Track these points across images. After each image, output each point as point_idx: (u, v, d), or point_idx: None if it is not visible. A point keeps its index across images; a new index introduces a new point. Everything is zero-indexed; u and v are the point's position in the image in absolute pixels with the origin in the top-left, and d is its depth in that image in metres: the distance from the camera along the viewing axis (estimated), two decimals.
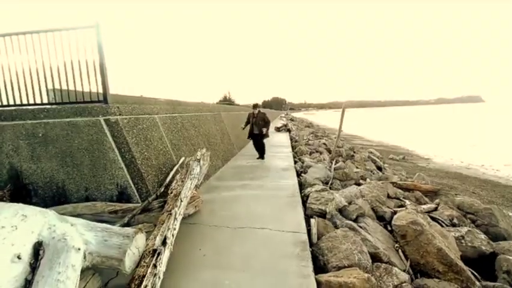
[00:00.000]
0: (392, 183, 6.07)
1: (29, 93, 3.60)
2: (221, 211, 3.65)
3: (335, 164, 6.85)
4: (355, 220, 3.56)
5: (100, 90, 3.43)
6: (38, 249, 1.75)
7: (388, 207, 4.34)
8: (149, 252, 2.11)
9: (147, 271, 1.87)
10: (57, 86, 3.49)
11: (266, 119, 6.96)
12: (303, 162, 7.06)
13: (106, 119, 3.25)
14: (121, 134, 3.30)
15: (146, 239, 2.26)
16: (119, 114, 3.35)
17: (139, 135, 3.59)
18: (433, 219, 4.01)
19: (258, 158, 7.28)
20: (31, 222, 1.85)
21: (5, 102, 3.74)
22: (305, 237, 2.83)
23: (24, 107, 3.59)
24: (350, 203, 3.92)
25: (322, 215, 3.54)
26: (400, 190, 5.72)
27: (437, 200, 5.06)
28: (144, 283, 1.77)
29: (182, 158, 4.43)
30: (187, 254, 2.58)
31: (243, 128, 7.32)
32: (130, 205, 3.26)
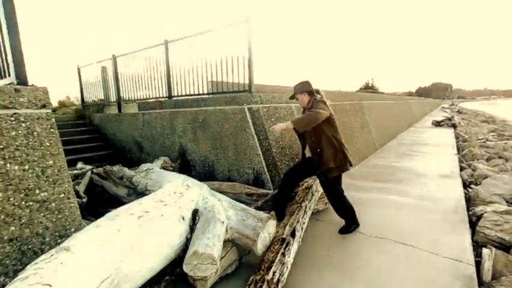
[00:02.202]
0: None
1: (195, 85, 4.66)
2: None
3: None
4: None
5: (245, 81, 3.98)
6: (195, 215, 2.27)
7: None
8: (279, 240, 2.30)
9: (276, 257, 2.05)
10: (214, 79, 4.34)
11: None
12: (474, 170, 5.59)
13: (249, 108, 3.76)
14: (260, 122, 3.73)
15: (276, 227, 2.47)
16: (260, 103, 3.78)
17: (276, 123, 3.92)
18: None
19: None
20: (192, 191, 2.41)
21: (179, 93, 5.02)
22: (471, 270, 2.25)
23: (191, 97, 4.70)
24: None
25: (503, 246, 2.70)
26: None
27: None
28: (273, 268, 1.94)
29: None
30: (313, 252, 2.63)
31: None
32: (264, 191, 3.65)
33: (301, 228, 2.58)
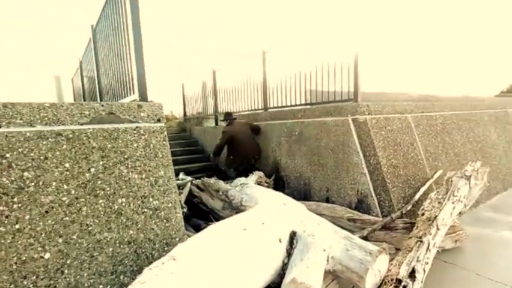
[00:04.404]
0: None
1: (292, 96, 4.79)
2: (497, 258, 2.86)
3: None
4: None
5: (349, 89, 3.86)
6: (292, 238, 2.27)
7: None
8: (392, 280, 2.07)
9: None
10: (313, 87, 4.38)
11: None
12: None
13: (353, 119, 3.61)
14: (367, 136, 3.52)
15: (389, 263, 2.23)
16: (368, 114, 3.59)
17: (387, 138, 3.64)
18: None
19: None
20: (290, 211, 2.43)
21: (275, 104, 5.24)
22: None
23: (287, 108, 4.84)
24: None
25: None
26: None
27: None
28: None
29: (440, 171, 3.95)
30: None
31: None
32: (370, 217, 3.39)
33: (423, 270, 2.26)
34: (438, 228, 2.70)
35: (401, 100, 4.95)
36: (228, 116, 5.20)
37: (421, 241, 2.49)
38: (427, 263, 2.35)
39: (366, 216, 3.39)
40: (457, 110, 5.13)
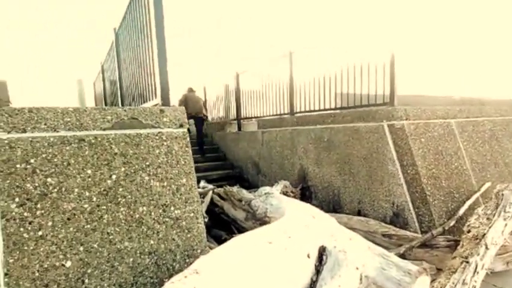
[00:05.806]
0: None
1: (321, 99, 4.75)
2: None
3: None
4: None
5: (384, 91, 3.78)
6: (321, 254, 2.22)
7: None
8: None
9: None
10: (344, 91, 4.33)
11: None
12: None
13: (389, 125, 3.53)
14: (405, 143, 3.43)
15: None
16: (406, 119, 3.50)
17: (427, 145, 3.54)
18: None
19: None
20: (318, 224, 2.39)
21: (302, 109, 5.20)
22: None
23: (315, 112, 4.80)
24: None
25: None
26: None
27: None
28: None
29: (488, 184, 3.77)
30: None
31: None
32: (407, 233, 3.27)
33: None
34: (487, 248, 2.56)
35: (443, 104, 4.78)
36: (190, 88, 7.62)
37: (467, 262, 2.37)
38: (475, 287, 2.24)
39: (403, 232, 3.28)
40: (508, 115, 4.89)
